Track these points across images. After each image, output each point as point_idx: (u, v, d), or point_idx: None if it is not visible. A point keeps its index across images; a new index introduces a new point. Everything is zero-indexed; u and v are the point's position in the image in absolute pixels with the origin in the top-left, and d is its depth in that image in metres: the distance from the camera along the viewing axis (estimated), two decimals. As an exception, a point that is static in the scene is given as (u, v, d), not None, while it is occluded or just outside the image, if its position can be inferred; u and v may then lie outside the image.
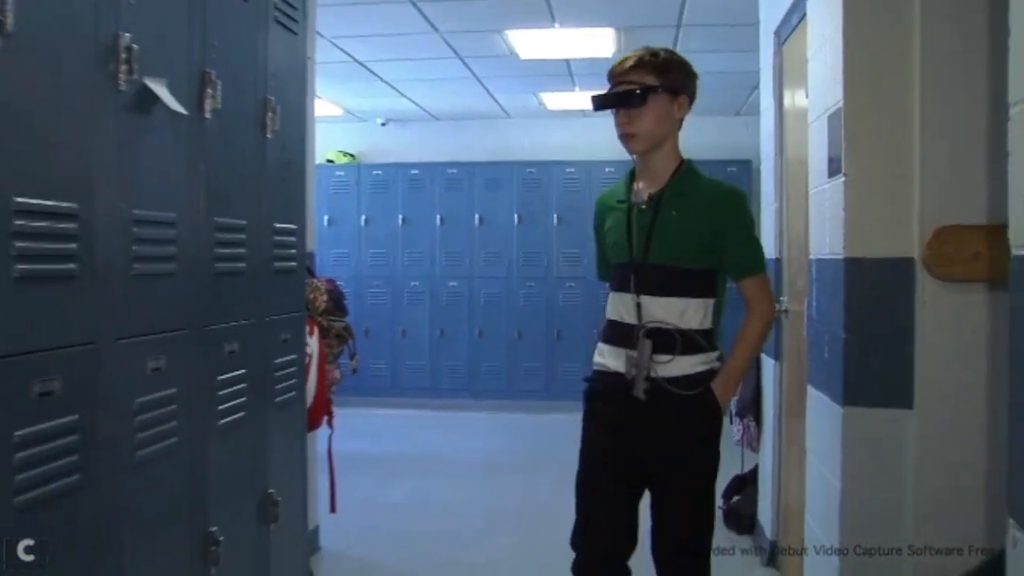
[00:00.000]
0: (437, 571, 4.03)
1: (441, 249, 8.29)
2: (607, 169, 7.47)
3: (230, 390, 2.37)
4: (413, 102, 7.97)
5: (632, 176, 2.55)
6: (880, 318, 2.52)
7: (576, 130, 8.44)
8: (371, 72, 6.77)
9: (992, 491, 2.36)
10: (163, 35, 2.02)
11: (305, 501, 3.10)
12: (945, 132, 2.44)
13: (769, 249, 4.10)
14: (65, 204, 1.67)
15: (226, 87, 2.26)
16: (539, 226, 8.17)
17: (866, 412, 2.54)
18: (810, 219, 3.06)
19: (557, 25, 5.45)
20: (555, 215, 8.14)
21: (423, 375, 8.32)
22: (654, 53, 2.47)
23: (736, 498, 4.49)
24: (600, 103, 2.48)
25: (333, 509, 3.82)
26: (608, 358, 2.52)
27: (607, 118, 2.53)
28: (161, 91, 1.93)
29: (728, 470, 4.53)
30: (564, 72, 6.75)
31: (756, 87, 5.57)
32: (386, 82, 7.10)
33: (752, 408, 4.33)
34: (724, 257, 2.46)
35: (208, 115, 2.20)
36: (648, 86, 2.41)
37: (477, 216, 8.24)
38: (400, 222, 8.34)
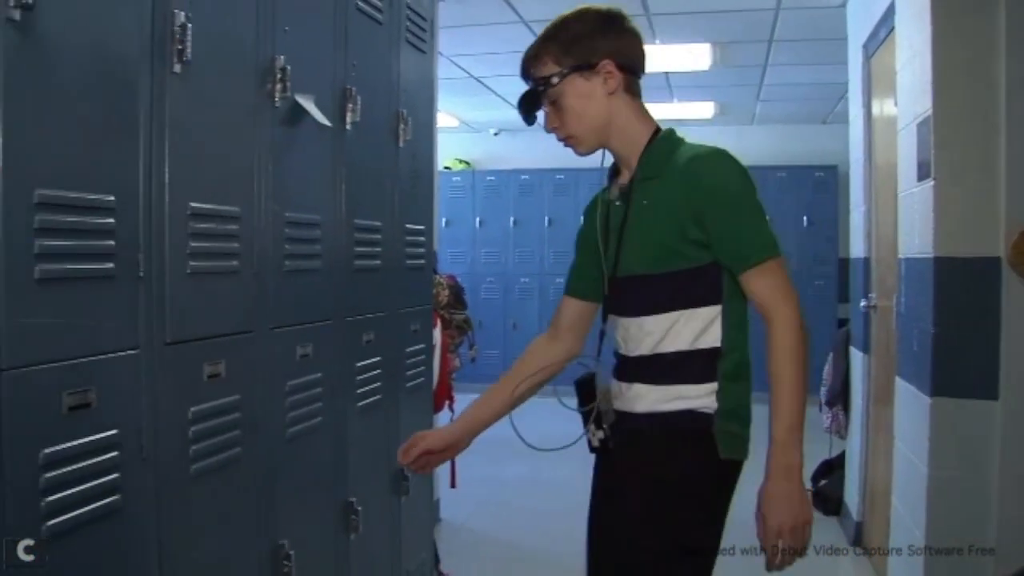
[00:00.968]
0: (550, 545, 4.03)
1: (548, 248, 8.31)
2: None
3: (367, 375, 2.44)
4: (523, 113, 8.01)
5: (615, 170, 1.83)
6: (967, 314, 2.49)
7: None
8: (485, 87, 6.84)
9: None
10: (311, 56, 2.09)
11: (431, 476, 3.15)
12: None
13: (858, 249, 4.01)
14: (230, 208, 1.74)
15: (364, 101, 2.31)
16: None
17: (953, 402, 2.51)
18: (899, 221, 3.01)
19: (658, 42, 5.40)
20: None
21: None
22: (548, 34, 1.72)
23: (823, 481, 4.53)
24: (523, 114, 1.77)
25: (453, 484, 3.87)
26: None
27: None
28: (309, 106, 2.00)
29: (816, 456, 4.47)
30: (663, 85, 6.67)
31: (842, 97, 5.42)
32: (499, 95, 7.14)
33: (841, 397, 4.37)
34: (714, 243, 1.62)
35: (349, 127, 2.26)
36: (548, 78, 1.70)
37: (582, 219, 8.19)
38: (511, 224, 8.42)
